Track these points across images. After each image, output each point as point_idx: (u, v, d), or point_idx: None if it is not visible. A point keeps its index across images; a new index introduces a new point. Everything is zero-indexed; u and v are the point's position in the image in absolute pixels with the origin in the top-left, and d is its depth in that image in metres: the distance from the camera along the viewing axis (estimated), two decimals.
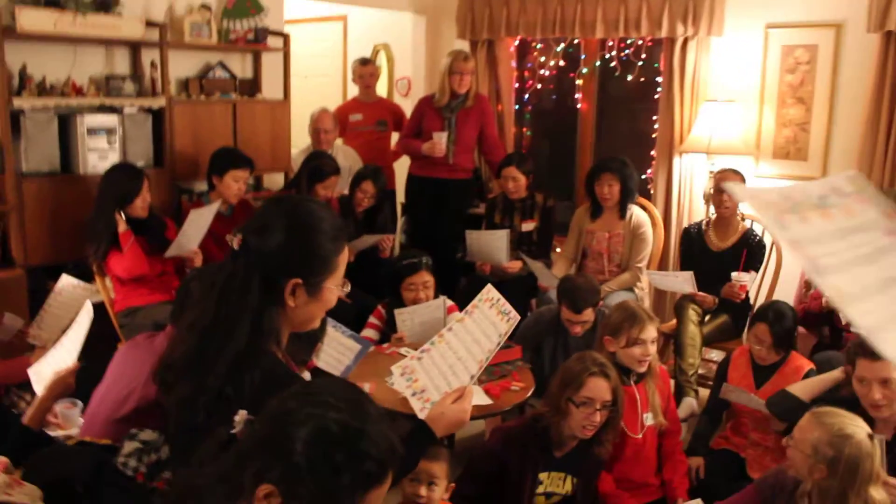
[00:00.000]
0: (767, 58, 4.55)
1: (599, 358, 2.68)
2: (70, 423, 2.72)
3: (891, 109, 4.15)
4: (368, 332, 3.75)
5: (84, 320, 2.64)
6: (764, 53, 4.56)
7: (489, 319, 2.00)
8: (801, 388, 2.96)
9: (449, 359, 1.97)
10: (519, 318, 2.03)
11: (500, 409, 3.06)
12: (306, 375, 2.36)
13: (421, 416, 1.88)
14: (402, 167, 5.47)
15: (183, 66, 4.49)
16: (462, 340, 2.00)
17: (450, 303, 3.79)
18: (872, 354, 2.55)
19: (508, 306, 2.03)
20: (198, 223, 3.81)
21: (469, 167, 5.09)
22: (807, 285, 4.18)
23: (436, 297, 3.76)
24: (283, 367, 1.60)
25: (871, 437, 2.21)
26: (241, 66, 4.81)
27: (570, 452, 2.69)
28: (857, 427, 2.22)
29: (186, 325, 1.61)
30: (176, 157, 4.29)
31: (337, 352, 2.80)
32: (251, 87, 4.82)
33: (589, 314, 3.52)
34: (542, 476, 2.67)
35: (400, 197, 5.50)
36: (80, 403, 2.71)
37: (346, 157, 5.14)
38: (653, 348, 3.01)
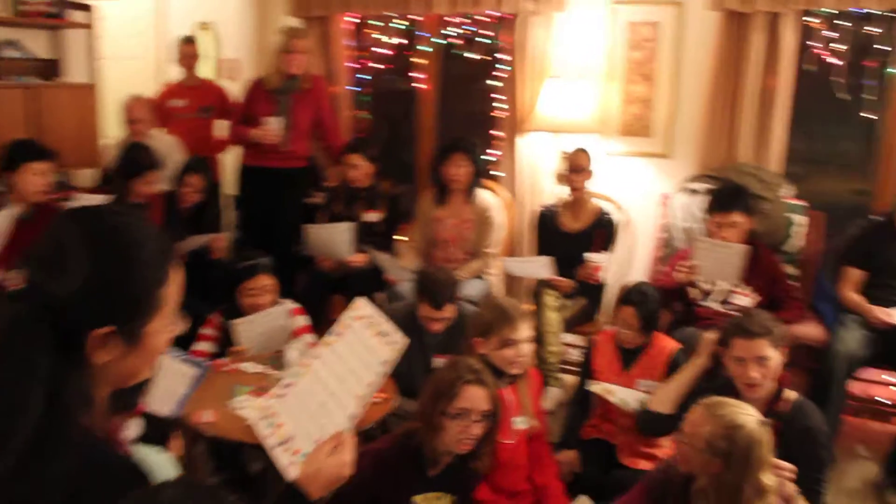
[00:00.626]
0: (613, 34, 4.48)
1: (474, 364, 2.44)
2: None
3: (732, 86, 4.18)
4: (203, 346, 3.35)
5: None
6: (608, 30, 4.49)
7: (365, 343, 1.67)
8: (666, 398, 2.85)
9: (319, 395, 1.62)
10: (407, 340, 1.71)
11: (361, 428, 2.75)
12: (135, 426, 1.96)
13: (289, 473, 1.50)
14: (231, 157, 5.03)
15: None
16: (333, 370, 1.65)
17: (293, 306, 3.46)
18: (747, 333, 2.54)
19: (389, 325, 1.68)
20: None
21: (305, 154, 4.74)
22: (658, 262, 4.16)
23: (279, 300, 3.42)
24: (106, 452, 1.19)
25: (760, 423, 2.14)
26: (38, 44, 4.20)
27: (445, 469, 2.44)
28: (748, 415, 2.14)
29: None
30: None
31: (170, 381, 2.40)
32: (51, 69, 4.22)
33: (449, 310, 3.29)
34: (417, 499, 2.40)
35: (229, 189, 5.05)
36: None
37: (166, 147, 4.62)
38: (527, 348, 2.81)
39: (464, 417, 2.33)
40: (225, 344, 3.36)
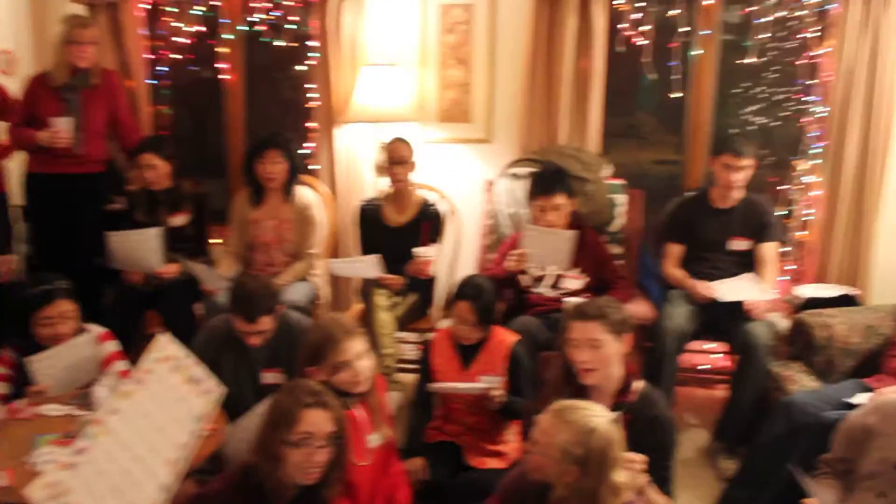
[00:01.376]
0: (426, 18, 4.36)
1: (313, 386, 2.24)
2: None
3: (547, 69, 4.18)
4: None
5: None
6: (422, 13, 4.36)
7: (173, 392, 1.41)
8: None
9: (121, 461, 1.34)
10: (219, 389, 1.47)
11: (191, 467, 2.47)
12: None
13: None
14: (16, 164, 4.48)
15: None
16: (137, 428, 1.38)
17: (100, 331, 3.10)
18: (581, 315, 2.55)
19: (199, 370, 1.44)
20: None
21: (102, 157, 4.29)
22: (486, 250, 4.12)
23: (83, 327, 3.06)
24: None
25: (611, 421, 2.12)
26: None
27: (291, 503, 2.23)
28: (598, 416, 2.11)
29: None
30: None
31: None
32: None
33: (266, 322, 3.05)
34: None
35: (16, 200, 4.51)
36: None
37: None
38: (365, 363, 2.63)
39: (306, 444, 2.13)
40: (21, 383, 2.95)
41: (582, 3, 4.08)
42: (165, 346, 1.49)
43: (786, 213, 4.23)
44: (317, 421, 2.15)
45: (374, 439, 2.67)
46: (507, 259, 3.60)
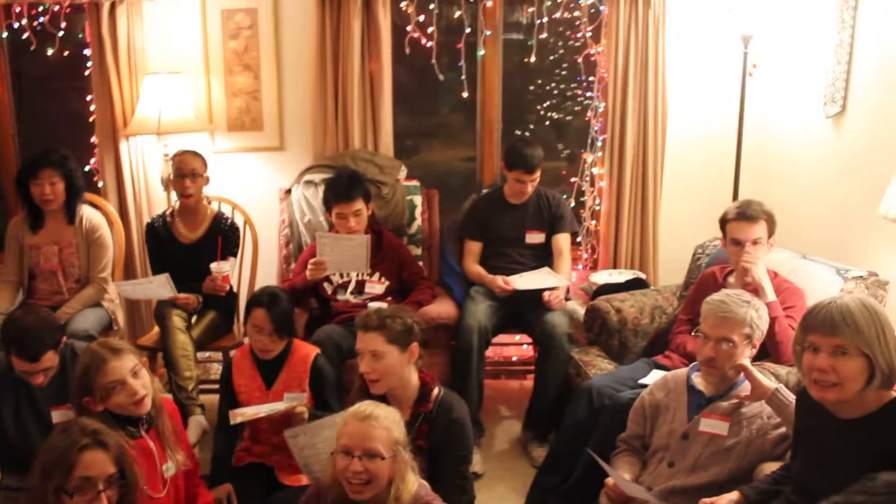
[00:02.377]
0: (207, 23, 4.19)
1: (88, 424, 2.06)
2: None
3: (334, 73, 4.13)
4: None
5: None
6: (203, 19, 4.18)
7: None
8: None
9: None
10: None
11: None
12: None
13: None
14: None
15: None
16: None
17: None
18: (364, 326, 2.57)
19: None
20: None
21: None
22: (287, 260, 4.03)
23: None
24: None
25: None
26: None
27: None
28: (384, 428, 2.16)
29: None
30: None
31: None
32: None
33: (50, 358, 2.82)
34: None
35: None
36: None
37: None
38: (140, 381, 2.45)
39: (86, 490, 1.97)
40: None
41: (365, 6, 4.06)
42: None
43: (578, 204, 4.41)
44: (95, 463, 1.98)
45: (169, 468, 2.53)
46: (307, 268, 3.53)
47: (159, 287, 3.54)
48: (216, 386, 3.83)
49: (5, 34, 4.26)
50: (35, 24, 4.18)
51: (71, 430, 2.04)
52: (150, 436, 2.51)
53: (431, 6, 4.14)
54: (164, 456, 2.53)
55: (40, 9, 4.14)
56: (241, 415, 2.89)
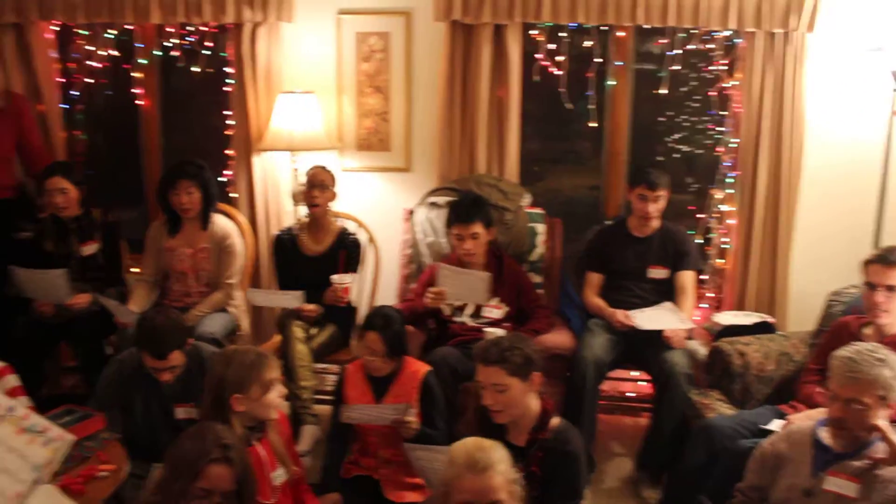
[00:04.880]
0: (342, 45, 4.31)
1: (221, 436, 2.15)
2: None
3: (464, 98, 4.16)
4: None
5: None
6: (338, 41, 4.31)
7: (5, 443, 1.32)
8: None
9: None
10: (70, 437, 1.39)
11: None
12: None
13: None
14: None
15: None
16: None
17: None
18: (481, 359, 2.55)
19: (35, 419, 1.35)
20: None
21: (9, 183, 4.15)
22: (406, 280, 4.07)
23: None
24: None
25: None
26: None
27: None
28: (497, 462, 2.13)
29: None
30: None
31: None
32: None
33: (176, 357, 2.95)
34: None
35: None
36: None
37: None
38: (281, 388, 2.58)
39: (204, 499, 2.06)
40: None
41: (496, 33, 4.08)
42: None
43: (704, 241, 4.29)
44: (219, 478, 2.09)
45: (278, 476, 2.59)
46: (426, 295, 3.56)
47: (292, 298, 3.65)
48: (330, 397, 3.92)
49: (158, 52, 4.53)
50: (184, 42, 4.43)
51: (205, 438, 2.13)
52: (261, 444, 2.58)
53: (562, 34, 4.13)
54: (274, 464, 2.60)
55: (190, 29, 4.38)
56: (350, 411, 2.93)
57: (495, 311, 3.65)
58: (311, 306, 3.72)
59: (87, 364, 3.80)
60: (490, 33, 4.07)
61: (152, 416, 3.02)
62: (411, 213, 4.16)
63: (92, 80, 4.64)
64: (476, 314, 3.66)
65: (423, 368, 3.13)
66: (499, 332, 3.38)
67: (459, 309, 3.68)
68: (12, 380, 2.98)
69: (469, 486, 2.07)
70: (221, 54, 4.44)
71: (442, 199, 4.05)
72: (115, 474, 2.53)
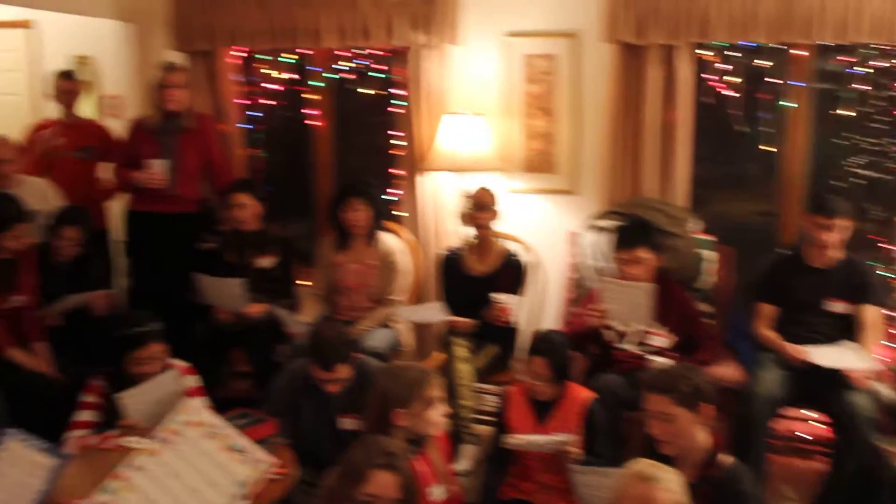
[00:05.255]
0: (509, 68, 4.35)
1: (389, 445, 2.22)
2: None
3: (632, 120, 4.10)
4: (85, 415, 3.05)
5: None
6: (505, 63, 4.35)
7: (210, 457, 1.40)
8: None
9: None
10: (271, 459, 1.46)
11: None
12: None
13: None
14: (118, 201, 4.68)
15: None
16: (166, 487, 1.36)
17: (183, 365, 3.18)
18: (649, 387, 2.50)
19: (242, 440, 1.42)
20: None
21: (195, 198, 4.43)
22: (570, 304, 4.04)
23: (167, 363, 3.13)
24: None
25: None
26: None
27: None
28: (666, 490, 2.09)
29: None
30: None
31: (23, 473, 2.08)
32: None
33: (343, 370, 3.06)
34: None
35: (117, 235, 4.69)
36: None
37: (37, 193, 4.20)
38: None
39: None
40: (110, 412, 3.05)
41: (666, 54, 4.00)
42: (198, 412, 1.48)
43: (889, 273, 4.01)
44: (384, 484, 2.13)
45: (437, 492, 2.62)
46: (588, 314, 3.52)
47: (435, 311, 3.71)
48: (489, 418, 3.93)
49: (331, 75, 4.74)
50: (355, 65, 4.61)
51: (372, 446, 2.20)
52: (421, 460, 2.62)
53: (733, 54, 4.00)
54: (433, 480, 2.63)
55: (361, 53, 4.56)
56: (515, 440, 2.93)
57: (661, 339, 3.55)
58: (464, 320, 3.75)
59: (259, 370, 4.00)
60: (659, 54, 4.00)
61: (318, 424, 3.14)
62: (576, 236, 4.13)
63: (270, 102, 4.91)
64: (641, 342, 3.57)
65: (587, 395, 3.09)
66: (664, 361, 3.29)
67: (623, 336, 3.61)
68: (193, 380, 3.20)
69: (633, 494, 2.06)
70: (390, 77, 4.58)
71: (607, 223, 4.00)
72: (286, 478, 2.64)
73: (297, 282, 4.25)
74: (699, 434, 2.49)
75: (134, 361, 3.04)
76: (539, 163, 4.39)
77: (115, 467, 2.65)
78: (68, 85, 4.70)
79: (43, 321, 3.75)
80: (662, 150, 4.11)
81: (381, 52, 4.55)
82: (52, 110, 4.77)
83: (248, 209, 4.04)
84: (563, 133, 4.33)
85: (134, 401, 2.98)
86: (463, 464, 3.54)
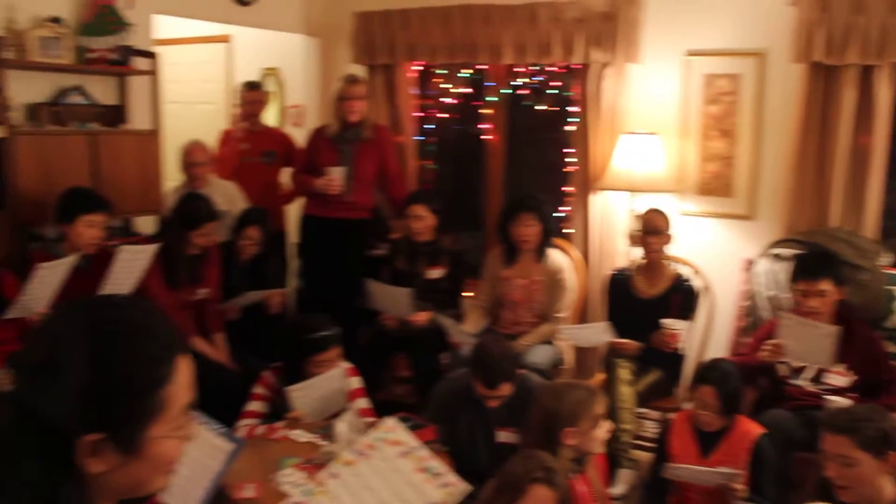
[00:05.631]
0: (689, 87, 4.24)
1: (547, 460, 2.22)
2: None
3: (820, 144, 3.89)
4: (255, 406, 3.22)
5: None
6: (684, 82, 4.24)
7: (403, 476, 1.44)
8: None
9: None
10: (465, 486, 1.49)
11: None
12: None
13: None
14: (295, 205, 4.93)
15: (30, 89, 3.82)
16: (359, 498, 1.42)
17: (347, 365, 3.29)
18: (828, 427, 2.35)
19: (435, 462, 1.46)
20: (47, 280, 3.17)
21: (369, 205, 4.59)
22: (740, 333, 3.87)
23: None
24: None
25: None
26: (103, 91, 4.16)
27: None
28: None
29: None
30: (20, 198, 3.61)
31: (204, 455, 2.23)
32: (115, 115, 4.17)
33: (506, 388, 3.07)
34: None
35: (292, 237, 4.94)
36: None
37: (225, 194, 4.52)
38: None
39: None
40: (278, 404, 3.21)
41: (863, 75, 3.77)
42: (394, 430, 1.53)
43: None
44: (541, 498, 2.13)
45: None
46: (762, 348, 3.35)
47: (600, 332, 3.65)
48: (648, 444, 3.84)
49: (507, 91, 4.79)
50: (531, 82, 4.63)
51: (531, 459, 2.20)
52: (580, 479, 2.59)
53: None
54: (591, 499, 2.59)
55: (538, 68, 4.57)
56: (677, 470, 2.84)
57: (840, 378, 3.34)
58: (629, 342, 3.67)
59: (420, 377, 4.08)
60: (856, 75, 3.77)
61: (475, 436, 3.16)
62: (752, 263, 3.96)
63: (445, 115, 5.02)
64: (817, 378, 3.37)
65: (756, 430, 2.95)
66: (842, 401, 3.09)
67: (798, 371, 3.42)
68: (356, 381, 3.31)
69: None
70: (566, 94, 4.57)
71: (786, 251, 3.80)
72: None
73: (464, 294, 4.32)
74: (885, 485, 2.31)
75: (313, 363, 3.18)
76: (715, 186, 4.24)
77: (279, 458, 2.81)
78: (254, 95, 5.01)
79: (223, 314, 3.99)
80: (852, 176, 3.87)
81: (558, 69, 4.55)
82: (240, 118, 5.07)
83: (424, 220, 4.14)
84: (742, 155, 4.16)
85: (302, 395, 3.12)
86: (619, 488, 3.48)
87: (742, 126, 4.15)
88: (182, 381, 1.08)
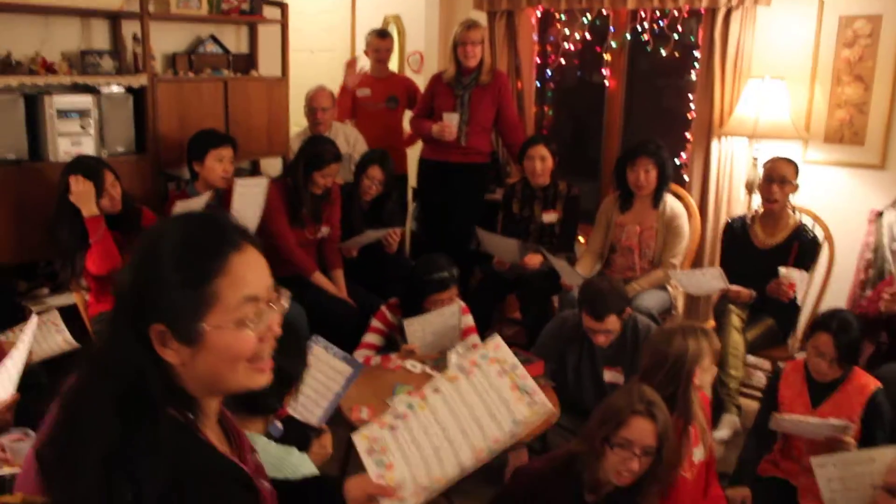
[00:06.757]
0: (822, 30, 4.05)
1: (649, 394, 2.25)
2: (21, 457, 2.34)
3: None
4: (371, 338, 3.39)
5: (26, 340, 2.25)
6: (818, 25, 4.05)
7: (498, 392, 1.53)
8: None
9: (435, 438, 1.49)
10: (550, 407, 1.56)
11: (521, 441, 2.65)
12: (277, 427, 1.95)
13: None
14: (414, 149, 5.06)
15: (169, 40, 4.07)
16: (455, 413, 1.52)
17: (462, 304, 3.40)
18: None
19: (529, 381, 1.53)
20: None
21: (485, 150, 4.66)
22: (862, 286, 3.75)
23: None
24: (205, 456, 1.17)
25: None
26: (235, 40, 4.38)
27: (605, 498, 2.28)
28: None
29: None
30: (160, 142, 3.87)
31: (325, 376, 2.39)
32: (246, 63, 4.39)
33: (613, 322, 3.11)
34: None
35: (412, 181, 5.08)
36: (32, 434, 2.32)
37: (348, 138, 4.69)
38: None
39: (625, 448, 2.17)
40: (394, 337, 3.37)
41: None
42: (498, 349, 1.61)
43: None
44: (640, 430, 2.17)
45: (698, 453, 2.60)
46: (884, 298, 3.24)
47: (712, 279, 3.60)
48: (754, 392, 3.80)
49: (629, 36, 4.71)
50: (655, 27, 4.53)
51: (633, 393, 2.24)
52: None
53: None
54: (697, 440, 2.61)
55: (662, 12, 4.47)
56: (786, 419, 2.81)
57: None
58: (742, 288, 3.61)
59: (530, 318, 4.16)
60: None
61: (582, 374, 3.24)
62: (880, 214, 3.80)
63: (564, 62, 4.99)
64: None
65: (872, 383, 2.86)
66: None
67: None
68: (470, 319, 3.43)
69: None
70: (690, 38, 4.46)
71: None
72: (548, 417, 2.76)
73: (577, 238, 4.35)
74: None
75: (431, 301, 3.31)
76: (845, 133, 4.06)
77: (394, 384, 2.96)
78: (382, 43, 5.11)
79: (343, 252, 4.17)
80: None
81: (682, 14, 4.43)
82: (364, 64, 5.20)
83: (544, 161, 4.17)
84: (877, 103, 3.96)
85: (418, 328, 3.27)
86: (722, 432, 3.48)
87: (880, 71, 3.94)
88: (238, 273, 1.14)
